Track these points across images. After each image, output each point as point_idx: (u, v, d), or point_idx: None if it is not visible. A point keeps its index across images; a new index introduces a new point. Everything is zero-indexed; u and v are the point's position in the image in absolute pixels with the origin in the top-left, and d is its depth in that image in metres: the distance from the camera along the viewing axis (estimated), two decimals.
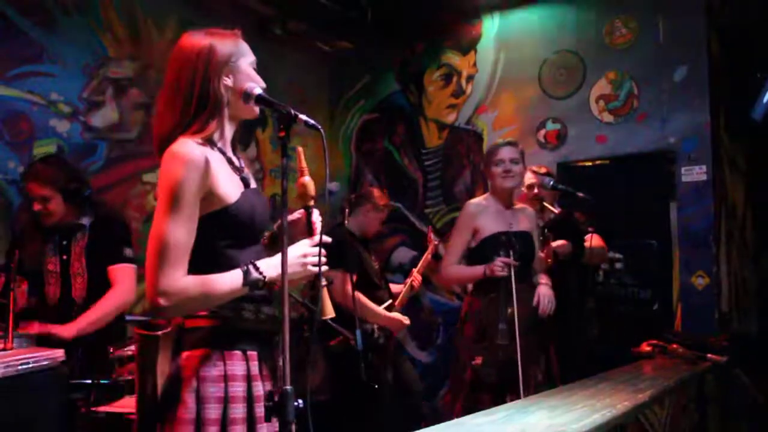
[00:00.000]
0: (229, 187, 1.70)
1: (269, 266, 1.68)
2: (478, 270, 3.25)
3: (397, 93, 5.89)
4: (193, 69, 1.69)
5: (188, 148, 1.63)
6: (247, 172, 1.83)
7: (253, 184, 1.82)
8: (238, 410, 1.64)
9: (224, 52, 1.72)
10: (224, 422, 1.62)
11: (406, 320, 3.90)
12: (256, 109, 1.76)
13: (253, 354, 1.71)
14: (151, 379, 1.69)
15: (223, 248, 1.69)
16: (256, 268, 1.66)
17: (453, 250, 3.40)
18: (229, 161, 1.76)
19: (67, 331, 2.88)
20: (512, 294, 3.10)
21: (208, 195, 1.64)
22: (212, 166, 1.64)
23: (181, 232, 1.59)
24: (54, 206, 3.03)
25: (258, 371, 1.71)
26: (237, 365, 1.67)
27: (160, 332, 1.72)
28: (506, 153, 3.33)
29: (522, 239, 3.28)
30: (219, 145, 1.74)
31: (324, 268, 1.68)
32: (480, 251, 3.32)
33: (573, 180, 3.98)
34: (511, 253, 3.16)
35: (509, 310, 3.10)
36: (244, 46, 1.80)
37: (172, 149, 1.63)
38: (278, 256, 1.59)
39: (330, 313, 1.77)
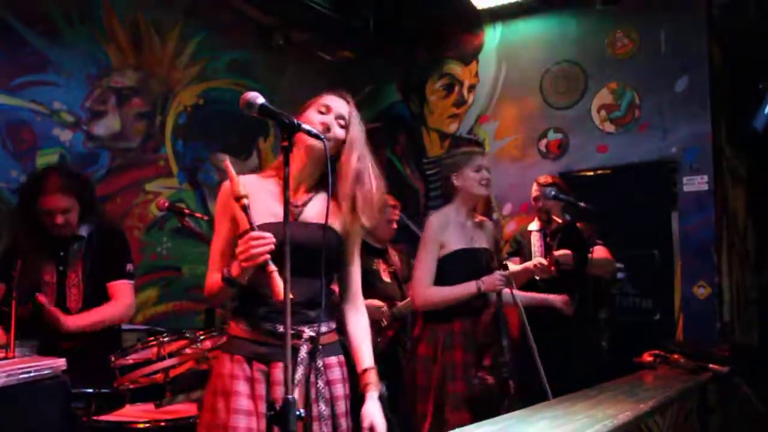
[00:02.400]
0: (265, 215, 1.90)
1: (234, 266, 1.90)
2: (470, 287, 3.03)
3: (399, 103, 5.91)
4: None
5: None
6: (303, 208, 2.01)
7: (309, 219, 1.99)
8: (242, 402, 1.89)
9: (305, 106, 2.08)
10: (228, 410, 1.89)
11: None
12: (309, 140, 1.88)
13: (258, 360, 1.92)
14: None
15: (262, 266, 1.80)
16: (228, 270, 1.89)
17: (425, 269, 3.08)
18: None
19: (70, 320, 2.89)
20: (519, 305, 3.07)
21: (237, 218, 1.92)
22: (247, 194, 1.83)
23: (216, 243, 2.03)
24: (74, 216, 2.99)
25: (262, 376, 1.92)
26: (240, 367, 1.92)
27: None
28: (483, 160, 3.20)
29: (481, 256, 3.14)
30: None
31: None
32: (442, 268, 3.10)
33: (574, 190, 3.97)
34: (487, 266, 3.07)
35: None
36: (328, 98, 2.07)
37: None
38: None
39: (279, 295, 1.67)
